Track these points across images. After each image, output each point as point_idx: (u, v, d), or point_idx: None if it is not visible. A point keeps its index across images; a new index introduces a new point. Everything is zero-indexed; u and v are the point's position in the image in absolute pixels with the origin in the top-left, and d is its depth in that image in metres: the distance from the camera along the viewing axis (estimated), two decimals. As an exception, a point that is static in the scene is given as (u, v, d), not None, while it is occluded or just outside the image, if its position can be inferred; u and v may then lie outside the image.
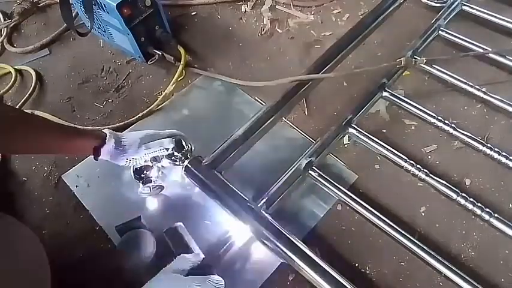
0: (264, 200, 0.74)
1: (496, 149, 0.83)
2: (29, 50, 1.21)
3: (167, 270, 0.63)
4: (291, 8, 1.23)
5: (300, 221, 0.81)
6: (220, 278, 0.64)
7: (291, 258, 0.64)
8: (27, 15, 1.33)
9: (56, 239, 0.83)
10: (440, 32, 1.04)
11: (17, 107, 1.04)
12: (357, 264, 0.76)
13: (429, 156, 0.88)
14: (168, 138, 0.76)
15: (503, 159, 0.81)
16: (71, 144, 0.72)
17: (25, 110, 1.04)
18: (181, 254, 0.66)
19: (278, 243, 0.65)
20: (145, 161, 0.77)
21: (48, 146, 0.72)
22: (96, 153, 0.73)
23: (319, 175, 0.80)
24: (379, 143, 0.84)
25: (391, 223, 0.73)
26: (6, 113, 0.65)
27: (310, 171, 0.80)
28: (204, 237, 0.77)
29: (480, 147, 0.84)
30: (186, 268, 0.64)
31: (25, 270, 0.61)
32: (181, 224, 0.74)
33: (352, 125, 0.87)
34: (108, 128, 0.96)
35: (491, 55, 0.98)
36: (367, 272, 0.75)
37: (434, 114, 0.89)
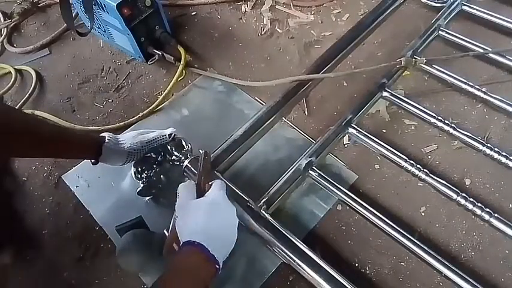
0: (264, 200, 0.74)
1: (496, 149, 0.83)
2: (29, 50, 1.21)
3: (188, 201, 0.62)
4: (291, 8, 1.23)
5: (300, 221, 0.81)
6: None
7: (291, 258, 0.64)
8: (27, 15, 1.33)
9: (56, 239, 0.83)
10: (440, 32, 1.04)
11: (17, 107, 1.04)
12: (357, 264, 0.76)
13: (429, 156, 0.88)
14: (168, 129, 0.80)
15: (503, 159, 0.81)
16: (71, 147, 0.74)
17: (25, 111, 1.04)
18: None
19: (278, 243, 0.65)
20: (145, 149, 0.78)
21: (47, 150, 0.74)
22: (97, 151, 0.75)
23: (319, 175, 0.80)
24: (379, 143, 0.84)
25: (391, 223, 0.73)
26: (6, 113, 0.65)
27: (310, 171, 0.80)
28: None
29: (480, 147, 0.84)
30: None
31: None
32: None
33: (352, 125, 0.86)
34: (109, 128, 0.97)
35: (491, 55, 0.98)
36: (367, 272, 0.75)
37: (434, 114, 0.89)
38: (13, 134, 0.64)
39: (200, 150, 0.69)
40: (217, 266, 0.55)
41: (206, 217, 0.59)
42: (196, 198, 0.63)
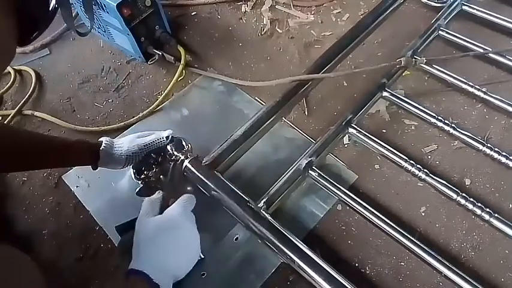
0: (264, 200, 0.74)
1: (496, 149, 0.83)
2: (29, 50, 1.21)
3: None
4: (291, 8, 1.23)
5: (300, 221, 0.81)
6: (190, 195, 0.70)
7: (291, 258, 0.64)
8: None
9: (56, 239, 0.83)
10: (440, 32, 1.04)
11: (16, 107, 1.04)
12: (356, 264, 0.76)
13: (429, 156, 0.88)
14: (166, 130, 0.81)
15: (503, 159, 0.81)
16: (69, 156, 0.76)
17: (25, 111, 1.04)
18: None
19: (278, 243, 0.65)
20: (143, 152, 0.78)
21: (47, 161, 0.75)
22: (95, 156, 0.76)
23: (319, 175, 0.80)
24: (379, 143, 0.84)
25: (391, 223, 0.73)
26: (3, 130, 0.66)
27: (310, 171, 0.80)
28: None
29: (480, 147, 0.84)
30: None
31: None
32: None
33: (352, 125, 0.86)
34: (109, 128, 0.97)
35: (491, 55, 0.98)
36: (367, 272, 0.75)
37: (434, 114, 0.89)
38: (11, 152, 0.65)
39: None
40: None
41: (157, 239, 0.62)
42: (159, 213, 0.67)
